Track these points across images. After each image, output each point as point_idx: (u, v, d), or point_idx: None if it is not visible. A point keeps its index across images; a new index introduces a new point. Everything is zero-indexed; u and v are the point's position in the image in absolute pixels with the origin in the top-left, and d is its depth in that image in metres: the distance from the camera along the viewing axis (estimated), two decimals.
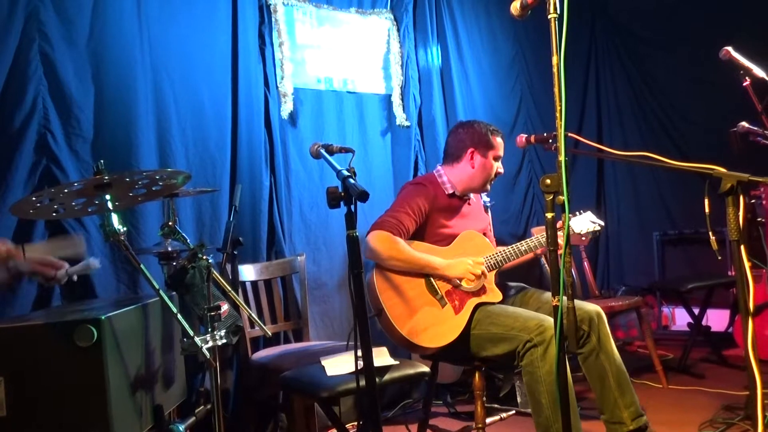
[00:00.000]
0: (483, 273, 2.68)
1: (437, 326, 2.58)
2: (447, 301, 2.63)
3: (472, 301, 2.65)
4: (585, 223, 2.87)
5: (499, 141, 2.85)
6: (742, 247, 1.85)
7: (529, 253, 2.78)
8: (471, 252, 2.72)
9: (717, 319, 4.51)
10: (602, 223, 2.91)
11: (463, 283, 2.66)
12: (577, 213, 2.91)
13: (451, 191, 2.84)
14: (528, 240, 2.77)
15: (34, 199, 1.75)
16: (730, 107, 3.31)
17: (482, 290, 2.69)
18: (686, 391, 3.64)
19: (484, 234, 2.93)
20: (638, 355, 4.37)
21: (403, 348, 2.65)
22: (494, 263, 2.73)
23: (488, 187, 2.92)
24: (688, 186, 4.61)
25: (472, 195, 2.96)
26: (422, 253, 2.67)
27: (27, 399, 1.77)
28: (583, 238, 2.89)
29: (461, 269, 2.64)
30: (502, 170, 2.90)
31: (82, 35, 2.82)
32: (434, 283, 2.64)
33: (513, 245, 2.77)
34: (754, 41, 3.11)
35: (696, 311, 4.12)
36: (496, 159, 2.85)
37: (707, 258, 4.45)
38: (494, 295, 2.71)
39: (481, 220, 2.97)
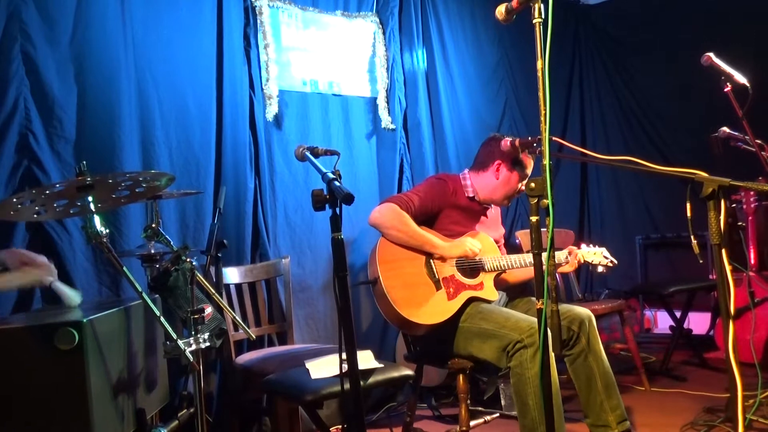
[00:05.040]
0: (482, 265, 2.71)
1: (427, 305, 2.61)
2: (442, 286, 2.66)
3: (467, 293, 2.68)
4: (598, 257, 2.89)
5: (529, 160, 2.85)
6: (724, 250, 1.87)
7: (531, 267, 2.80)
8: None
9: (698, 322, 4.56)
10: (615, 261, 2.92)
11: (460, 277, 2.69)
12: (591, 245, 2.94)
13: (471, 195, 2.87)
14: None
15: (15, 200, 1.72)
16: (711, 113, 3.35)
17: (479, 285, 2.72)
18: (668, 394, 3.67)
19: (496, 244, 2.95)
20: (621, 357, 4.40)
21: (390, 321, 2.67)
22: (497, 266, 2.76)
23: (508, 202, 2.94)
24: (670, 190, 4.66)
25: (492, 206, 2.99)
26: (425, 231, 2.71)
27: (6, 403, 1.74)
28: (591, 269, 2.91)
29: (461, 249, 2.68)
30: (522, 189, 2.88)
31: (65, 35, 2.80)
32: (433, 266, 2.67)
33: (519, 254, 2.81)
34: (735, 47, 3.15)
35: (678, 314, 4.16)
36: (522, 177, 2.85)
37: (689, 262, 4.47)
38: (491, 293, 2.74)
39: (495, 230, 2.99)
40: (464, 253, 2.68)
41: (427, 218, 2.78)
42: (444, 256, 2.69)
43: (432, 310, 2.60)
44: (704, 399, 3.42)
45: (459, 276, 2.70)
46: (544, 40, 1.66)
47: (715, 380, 3.75)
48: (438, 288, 2.65)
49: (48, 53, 2.73)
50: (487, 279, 2.75)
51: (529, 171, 2.87)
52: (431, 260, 2.69)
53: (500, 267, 2.77)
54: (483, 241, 2.82)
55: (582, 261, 2.87)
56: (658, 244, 5.10)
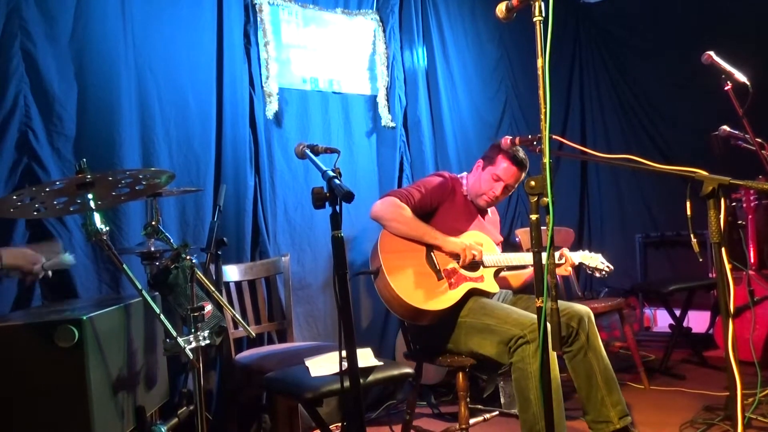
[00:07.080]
0: (480, 261, 2.74)
1: (430, 293, 2.64)
2: (443, 276, 2.69)
3: (468, 284, 2.71)
4: (594, 261, 2.92)
5: (504, 165, 2.83)
6: (723, 249, 1.87)
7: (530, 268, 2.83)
8: None
9: (698, 321, 4.56)
10: (611, 267, 2.95)
11: (461, 270, 2.72)
12: (588, 251, 2.97)
13: (466, 194, 2.93)
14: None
15: (14, 197, 1.73)
16: (711, 111, 3.35)
17: (480, 278, 2.75)
18: (667, 392, 3.67)
19: None
20: (620, 356, 4.39)
21: (393, 310, 2.67)
22: (496, 261, 2.79)
23: (484, 203, 2.92)
24: (670, 189, 4.65)
25: (489, 211, 3.03)
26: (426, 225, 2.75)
27: (7, 400, 1.75)
28: (590, 272, 2.94)
29: (458, 245, 2.71)
30: (498, 193, 2.88)
31: (65, 32, 2.80)
32: (435, 258, 2.71)
33: (518, 253, 2.84)
34: (735, 46, 3.15)
35: (677, 313, 4.16)
36: (496, 179, 2.86)
37: (689, 260, 4.50)
38: (491, 285, 2.77)
39: (492, 234, 3.00)
40: (464, 249, 2.69)
41: (425, 213, 2.81)
42: (443, 248, 2.71)
43: (434, 297, 2.63)
44: (703, 397, 3.42)
45: (460, 269, 2.73)
46: (545, 39, 1.66)
47: (715, 379, 3.75)
48: (440, 278, 2.68)
49: (48, 50, 2.73)
50: (487, 273, 2.78)
51: (503, 176, 2.84)
52: (432, 253, 2.72)
53: (499, 262, 2.80)
54: (481, 239, 2.85)
55: (577, 263, 2.88)
56: (657, 242, 5.10)
